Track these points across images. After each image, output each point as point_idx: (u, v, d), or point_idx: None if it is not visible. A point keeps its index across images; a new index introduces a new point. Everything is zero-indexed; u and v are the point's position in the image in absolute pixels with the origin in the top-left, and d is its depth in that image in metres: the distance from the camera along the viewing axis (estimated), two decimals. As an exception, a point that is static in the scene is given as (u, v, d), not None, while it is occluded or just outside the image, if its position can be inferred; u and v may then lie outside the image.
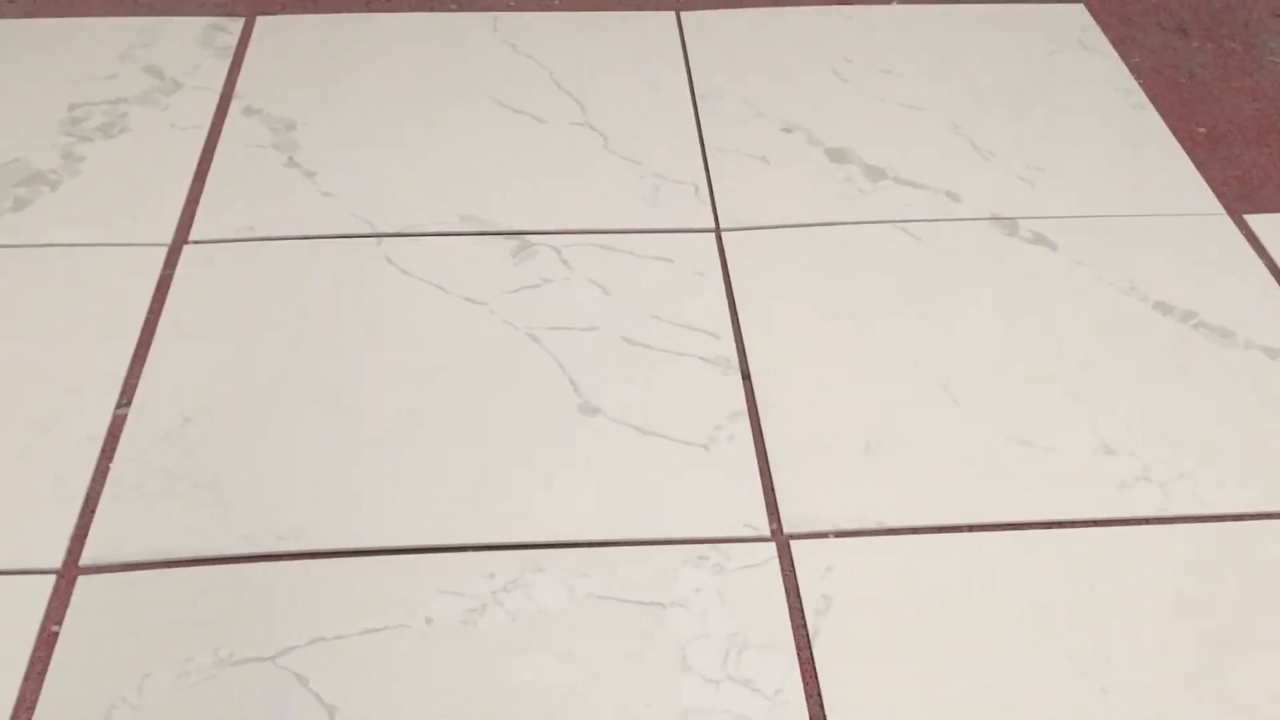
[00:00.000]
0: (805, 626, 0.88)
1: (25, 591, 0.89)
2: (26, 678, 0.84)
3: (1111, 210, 1.25)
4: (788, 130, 1.35)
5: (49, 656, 0.85)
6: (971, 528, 0.95)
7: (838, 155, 1.32)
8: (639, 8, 1.55)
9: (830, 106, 1.39)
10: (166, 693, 0.83)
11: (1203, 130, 1.39)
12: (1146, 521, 0.96)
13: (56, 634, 0.87)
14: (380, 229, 1.21)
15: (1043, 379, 1.07)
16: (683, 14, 1.54)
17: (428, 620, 0.88)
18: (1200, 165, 1.33)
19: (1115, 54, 1.50)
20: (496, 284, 1.15)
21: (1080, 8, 1.58)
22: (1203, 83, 1.47)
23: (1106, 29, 1.55)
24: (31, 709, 0.82)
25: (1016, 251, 1.20)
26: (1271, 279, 1.18)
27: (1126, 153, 1.33)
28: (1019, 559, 0.93)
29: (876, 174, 1.29)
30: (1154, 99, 1.43)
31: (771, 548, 0.94)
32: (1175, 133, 1.37)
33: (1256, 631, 0.88)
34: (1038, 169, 1.30)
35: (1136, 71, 1.48)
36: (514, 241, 1.20)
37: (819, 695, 0.84)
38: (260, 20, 1.51)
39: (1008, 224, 1.23)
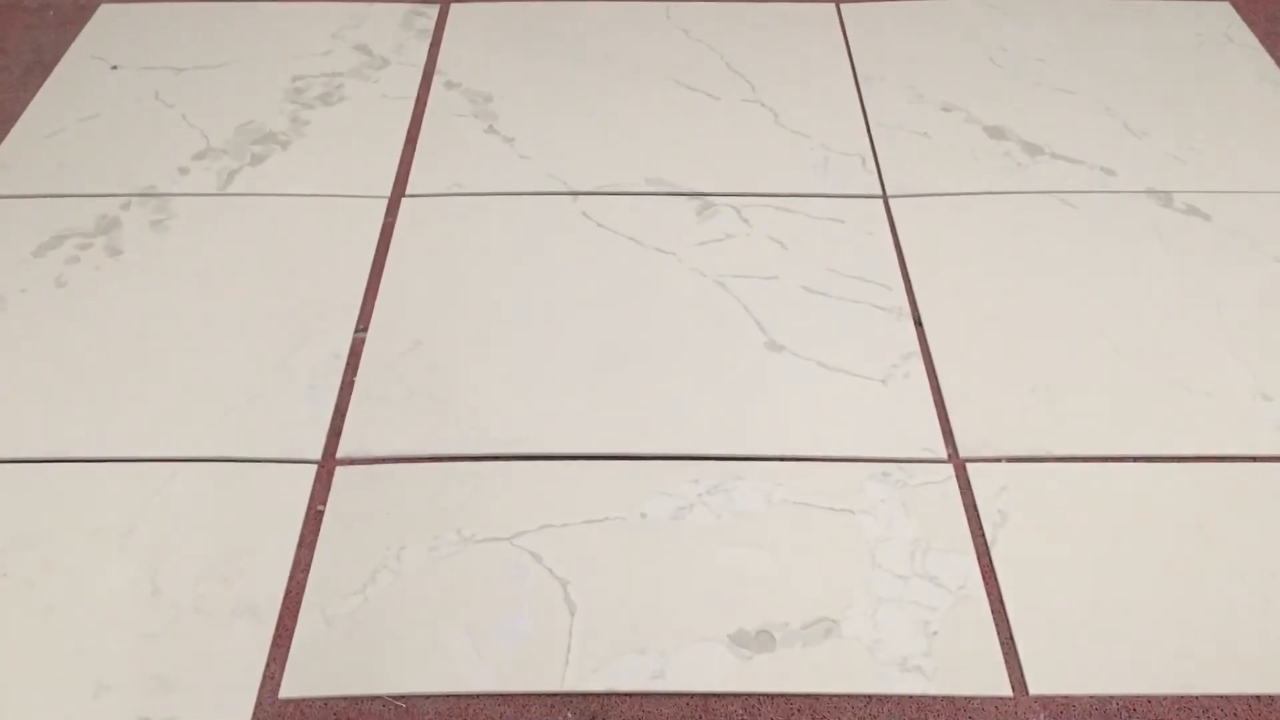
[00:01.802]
0: (983, 535, 0.97)
1: (292, 478, 1.03)
2: (299, 546, 0.97)
3: (1263, 187, 1.32)
4: (947, 110, 1.44)
5: (317, 530, 0.98)
6: (1135, 458, 1.03)
7: (995, 133, 1.40)
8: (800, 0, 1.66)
9: (987, 89, 1.48)
10: (421, 563, 0.95)
11: (1350, 118, 1.45)
12: (1303, 459, 1.03)
13: (322, 513, 1.00)
14: (575, 188, 1.33)
15: (1200, 333, 1.15)
16: (842, 5, 1.64)
17: (642, 515, 0.99)
18: (1348, 149, 1.39)
19: (1262, 48, 1.56)
20: (684, 237, 1.27)
21: (1226, 5, 1.64)
22: (1349, 75, 1.53)
23: (1253, 25, 1.61)
24: (306, 570, 0.95)
25: (1171, 221, 1.28)
26: None
27: (1274, 135, 1.40)
28: (1181, 487, 1.01)
29: (1034, 150, 1.38)
30: (1301, 89, 1.49)
31: (949, 468, 1.03)
32: (1323, 119, 1.43)
33: None
34: (1189, 148, 1.37)
35: (1283, 64, 1.54)
36: (697, 201, 1.31)
37: (999, 592, 0.93)
38: (454, 7, 1.65)
39: (1162, 196, 1.31)
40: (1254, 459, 1.03)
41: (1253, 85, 1.49)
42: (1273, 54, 1.55)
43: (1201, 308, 1.17)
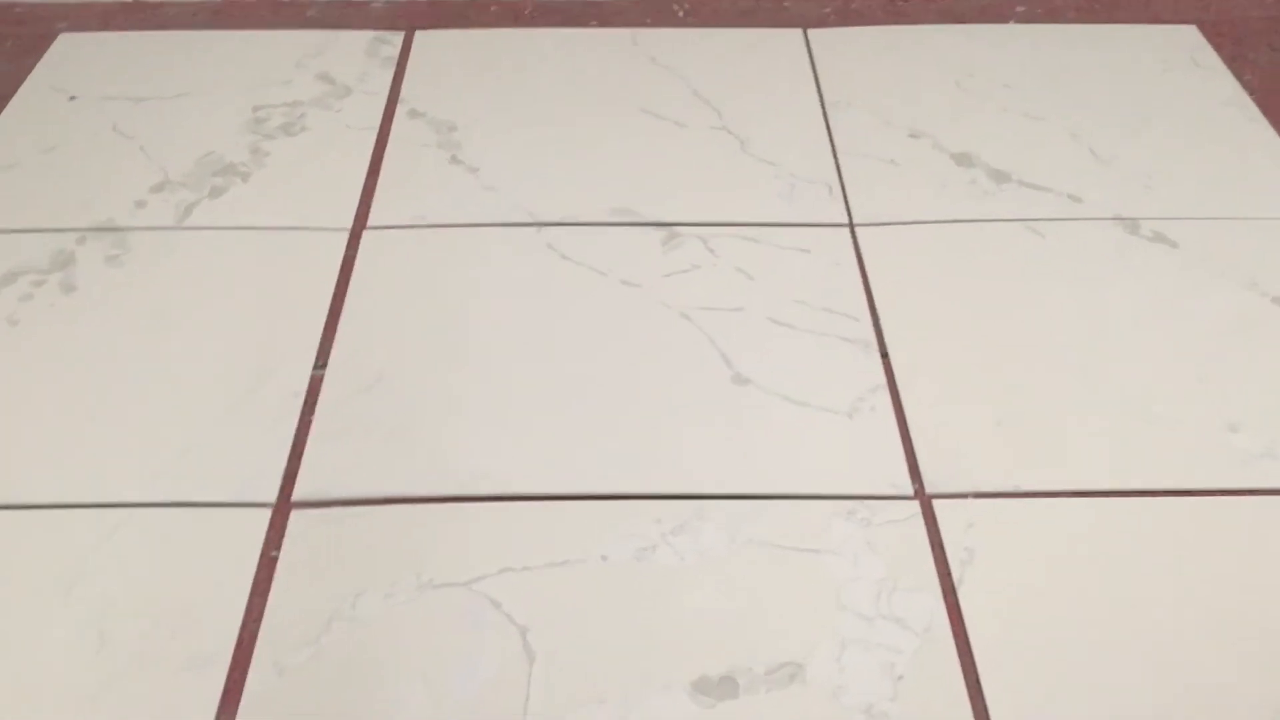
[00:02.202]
0: (950, 574, 0.96)
1: (246, 522, 1.00)
2: (252, 594, 0.95)
3: (1230, 213, 1.32)
4: (914, 136, 1.44)
5: (270, 577, 0.96)
6: (1104, 493, 1.02)
7: (963, 160, 1.40)
8: (768, 24, 1.65)
9: (954, 115, 1.47)
10: (377, 610, 0.93)
11: (1316, 142, 1.45)
12: (1273, 493, 1.02)
13: (275, 558, 0.98)
14: (540, 218, 1.32)
15: (1168, 363, 1.14)
16: (809, 31, 1.64)
17: (604, 557, 0.97)
18: (1315, 174, 1.39)
19: (1228, 71, 1.56)
20: (650, 268, 1.25)
21: (1192, 29, 1.65)
22: (1315, 99, 1.53)
23: (1218, 48, 1.61)
24: (259, 619, 0.93)
25: (1138, 248, 1.27)
26: (1388, 278, 1.23)
27: (1243, 162, 1.40)
28: (1150, 523, 1.00)
29: (1001, 177, 1.37)
30: (1268, 113, 1.49)
31: (915, 505, 1.01)
32: (1289, 144, 1.43)
33: (1380, 593, 0.94)
34: (1156, 174, 1.37)
35: (1249, 88, 1.54)
36: (663, 231, 1.30)
37: (965, 633, 0.92)
38: (419, 34, 1.64)
39: (1129, 223, 1.30)
40: (1223, 493, 1.02)
41: (1218, 109, 1.49)
42: (1239, 77, 1.55)
43: (1169, 337, 1.17)
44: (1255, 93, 1.53)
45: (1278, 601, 0.93)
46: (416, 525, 1.00)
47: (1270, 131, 1.45)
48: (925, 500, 1.02)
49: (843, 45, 1.61)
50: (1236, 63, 1.59)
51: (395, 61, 1.58)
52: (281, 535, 0.99)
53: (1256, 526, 0.99)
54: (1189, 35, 1.63)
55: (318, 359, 1.15)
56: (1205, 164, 1.39)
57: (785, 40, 1.62)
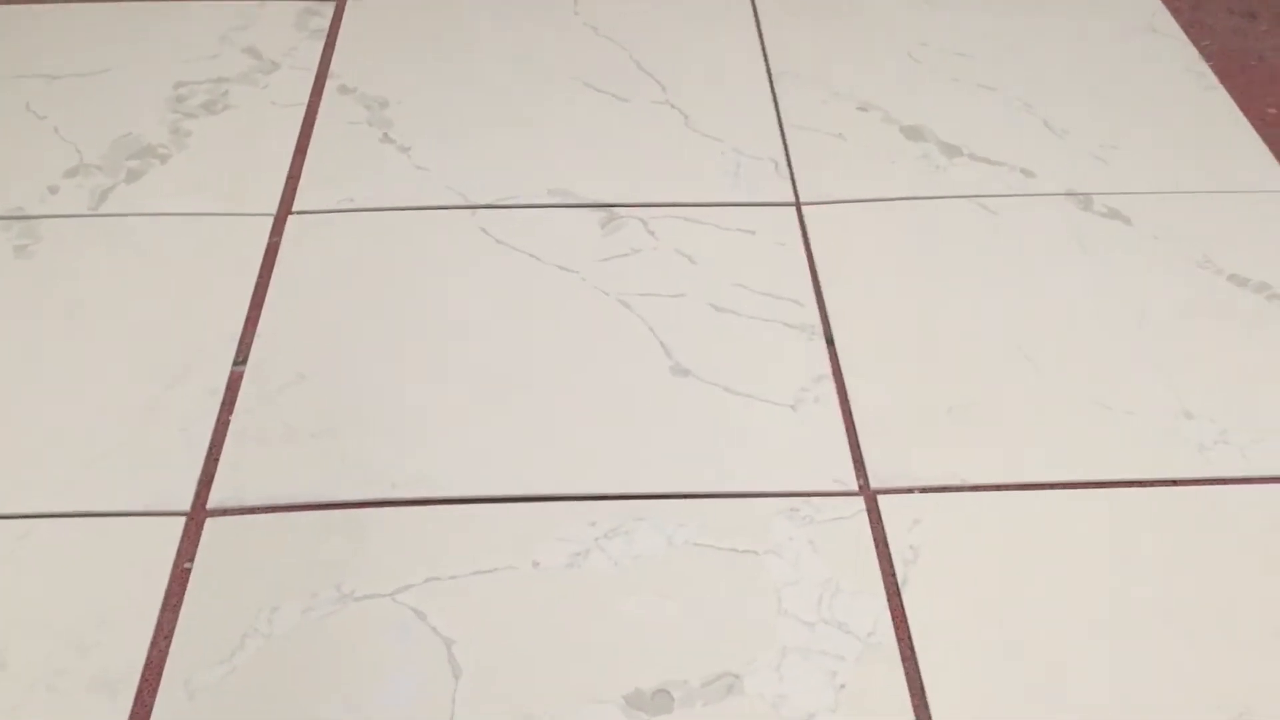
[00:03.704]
0: (894, 574, 0.92)
1: (158, 532, 0.95)
2: (163, 609, 0.90)
3: (1185, 187, 1.28)
4: (863, 109, 1.39)
5: (183, 590, 0.91)
6: (1054, 485, 0.99)
7: (913, 133, 1.35)
8: (715, -8, 1.59)
9: (905, 87, 1.42)
10: (294, 625, 0.88)
11: (1273, 111, 1.41)
12: (1225, 482, 0.99)
13: (189, 570, 0.93)
14: (474, 200, 1.26)
15: (1122, 346, 1.10)
16: (758, -2, 1.58)
17: (535, 563, 0.93)
18: (1271, 144, 1.35)
19: (1185, 37, 1.52)
20: (587, 253, 1.20)
21: (1150, -8, 1.60)
22: (1272, 65, 1.49)
23: (1176, 14, 1.57)
24: (169, 637, 0.88)
25: (1092, 225, 1.23)
26: (1345, 254, 1.20)
27: (1198, 132, 1.36)
28: (1100, 515, 0.96)
29: (952, 150, 1.32)
30: (1224, 80, 1.45)
31: (859, 501, 0.98)
32: (1246, 113, 1.40)
33: (1334, 586, 0.91)
34: (1111, 147, 1.33)
35: (1207, 54, 1.50)
36: (602, 213, 1.25)
37: (909, 638, 0.88)
38: (350, 4, 1.57)
39: (1082, 199, 1.26)
40: (1175, 483, 0.99)
41: (1176, 77, 1.45)
42: (1196, 44, 1.51)
43: (1122, 319, 1.13)
44: (1213, 58, 1.49)
45: (1234, 592, 0.91)
46: (339, 532, 0.95)
47: (1227, 100, 1.41)
48: (870, 496, 0.98)
49: (791, 12, 1.55)
50: (1194, 28, 1.55)
51: (325, 33, 1.51)
52: (195, 545, 0.94)
53: (1209, 516, 0.96)
54: (1147, 0, 1.59)
55: (238, 354, 1.10)
56: (1160, 134, 1.35)
57: (732, 7, 1.56)
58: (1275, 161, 1.32)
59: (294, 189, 1.28)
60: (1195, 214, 1.24)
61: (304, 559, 0.93)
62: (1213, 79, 1.45)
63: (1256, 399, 1.05)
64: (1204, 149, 1.33)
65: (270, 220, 1.24)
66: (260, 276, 1.18)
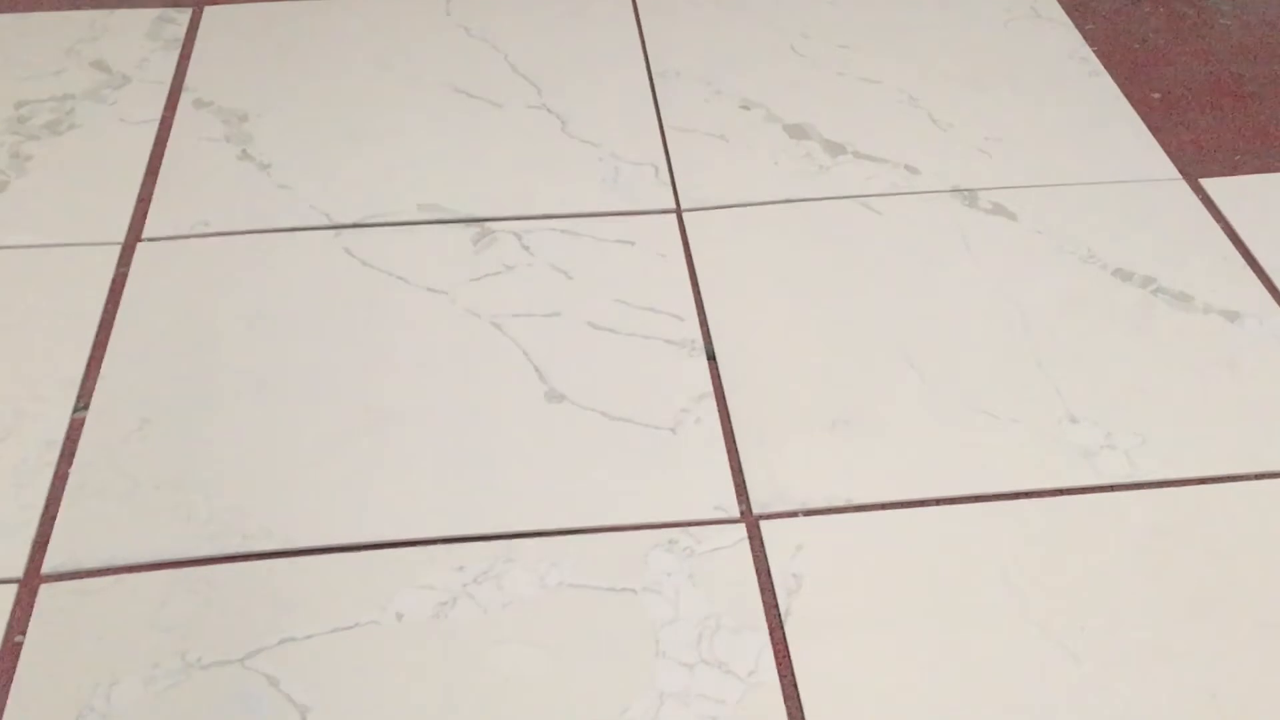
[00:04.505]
0: (777, 606, 0.89)
1: (-13, 602, 0.88)
2: (-8, 690, 0.83)
3: (1069, 179, 1.26)
4: (746, 108, 1.35)
5: (14, 667, 0.84)
6: (939, 501, 0.96)
7: (796, 131, 1.31)
8: (593, -13, 1.53)
9: (788, 82, 1.38)
10: (134, 700, 0.82)
11: (1157, 96, 1.40)
12: (1112, 489, 0.97)
13: (20, 644, 0.86)
14: (338, 220, 1.20)
15: (1006, 349, 1.08)
16: (636, -8, 1.53)
17: (398, 616, 0.87)
18: (1155, 131, 1.33)
19: (1070, 22, 1.50)
20: (458, 273, 1.14)
21: (1035, -25, 1.58)
22: (1156, 48, 1.48)
23: (1060, -3, 1.55)
24: (-2, 721, 0.81)
25: (977, 222, 1.20)
26: (1228, 243, 1.19)
27: (1083, 120, 1.34)
28: (987, 530, 0.94)
29: (836, 149, 1.29)
30: (1109, 66, 1.43)
31: (741, 529, 0.94)
32: (1130, 99, 1.38)
33: (1223, 594, 0.89)
34: (995, 139, 1.30)
35: (1091, 39, 1.48)
36: (474, 229, 1.19)
37: (792, 675, 0.84)
38: (208, 10, 1.49)
39: (967, 195, 1.23)
40: (1063, 492, 0.97)
41: (1060, 64, 1.43)
42: (1080, 28, 1.49)
43: (1007, 320, 1.10)
44: (1097, 43, 1.47)
45: (1121, 602, 0.88)
46: (185, 593, 0.88)
47: (1111, 86, 1.39)
48: (752, 522, 0.94)
49: (673, 6, 1.50)
50: (1079, 12, 1.53)
51: (181, 43, 1.43)
52: (28, 615, 0.87)
53: (1096, 525, 0.94)
54: (1031, -16, 1.56)
55: (79, 399, 1.02)
56: (1045, 124, 1.33)
57: (611, 5, 1.51)
58: (1159, 149, 1.31)
59: (144, 214, 1.20)
60: (1079, 206, 1.22)
61: (147, 625, 0.86)
62: (1097, 64, 1.43)
63: (1141, 400, 1.03)
64: (1087, 138, 1.31)
65: (118, 249, 1.17)
66: (105, 312, 1.10)
